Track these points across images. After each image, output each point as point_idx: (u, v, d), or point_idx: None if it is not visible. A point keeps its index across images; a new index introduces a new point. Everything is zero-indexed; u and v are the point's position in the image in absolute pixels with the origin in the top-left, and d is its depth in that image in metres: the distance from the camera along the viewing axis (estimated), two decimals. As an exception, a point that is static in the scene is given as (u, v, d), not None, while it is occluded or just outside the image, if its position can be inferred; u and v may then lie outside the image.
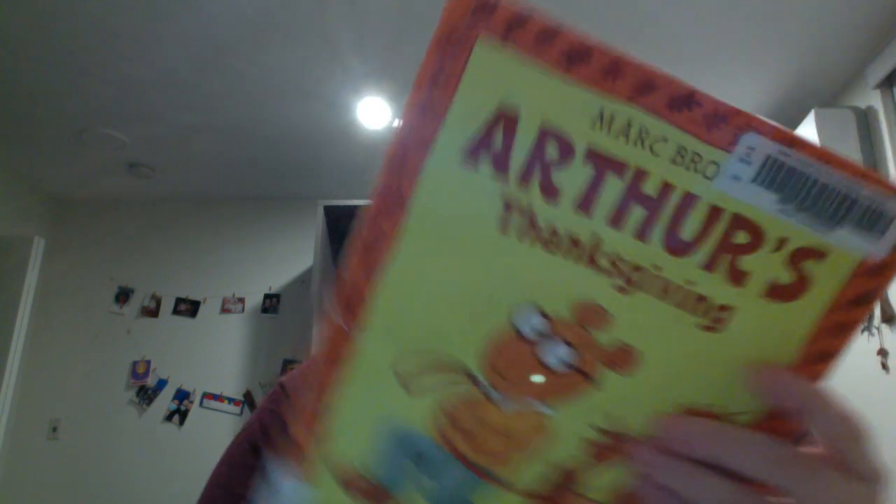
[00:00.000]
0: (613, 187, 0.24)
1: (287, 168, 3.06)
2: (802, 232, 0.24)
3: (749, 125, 0.24)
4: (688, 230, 0.25)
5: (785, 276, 0.25)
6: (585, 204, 0.25)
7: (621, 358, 0.27)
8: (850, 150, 2.10)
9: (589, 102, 0.24)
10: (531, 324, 0.27)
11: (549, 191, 0.25)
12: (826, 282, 0.25)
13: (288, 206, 3.36)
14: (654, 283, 0.25)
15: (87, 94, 2.38)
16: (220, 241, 3.35)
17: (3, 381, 2.59)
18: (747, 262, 0.25)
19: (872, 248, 0.24)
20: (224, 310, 3.23)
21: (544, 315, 0.27)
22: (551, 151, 0.24)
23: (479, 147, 0.25)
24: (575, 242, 0.25)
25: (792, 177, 0.24)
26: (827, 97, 2.34)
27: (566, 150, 0.24)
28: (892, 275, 0.24)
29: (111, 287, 3.27)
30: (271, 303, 3.23)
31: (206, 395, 3.10)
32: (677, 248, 0.25)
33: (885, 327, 2.01)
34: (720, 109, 0.24)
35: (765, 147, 0.24)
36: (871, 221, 0.24)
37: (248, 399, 3.09)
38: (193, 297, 3.25)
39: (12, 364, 2.64)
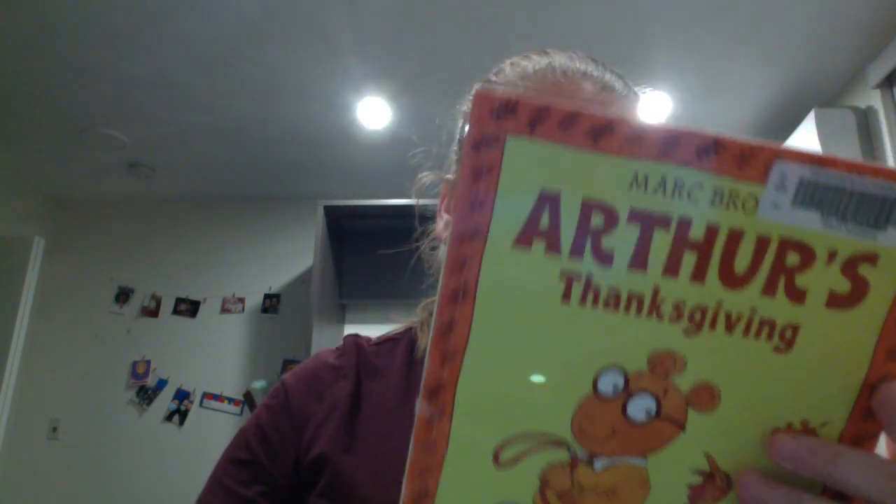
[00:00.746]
0: (662, 240, 0.26)
1: (287, 168, 3.06)
2: (850, 241, 0.25)
3: (777, 155, 0.25)
4: (740, 263, 0.26)
5: (843, 286, 0.26)
6: (639, 261, 0.26)
7: (702, 396, 0.28)
8: (850, 150, 2.10)
9: (622, 168, 0.25)
10: (613, 383, 0.28)
11: (602, 257, 0.26)
12: (883, 282, 0.26)
13: (288, 206, 3.36)
14: (718, 318, 0.27)
15: (87, 94, 2.38)
16: (220, 241, 3.35)
17: (3, 381, 2.59)
18: (803, 279, 0.26)
19: None
20: (224, 310, 3.23)
21: (623, 372, 0.28)
22: (597, 220, 0.26)
23: (529, 231, 0.26)
24: (637, 298, 0.26)
25: (828, 193, 0.25)
26: (827, 97, 2.34)
27: (610, 217, 0.26)
28: None
29: (111, 287, 3.27)
30: (271, 303, 3.23)
31: (206, 395, 3.10)
32: (734, 281, 0.26)
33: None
34: (745, 148, 0.25)
35: (796, 171, 0.25)
36: None
37: (248, 399, 3.09)
38: (193, 297, 3.25)
39: (12, 364, 2.64)
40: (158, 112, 2.52)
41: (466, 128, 0.60)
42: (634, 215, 0.25)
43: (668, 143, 0.25)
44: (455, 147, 0.61)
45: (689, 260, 0.26)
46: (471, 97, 0.25)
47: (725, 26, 1.99)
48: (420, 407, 0.28)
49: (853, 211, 0.25)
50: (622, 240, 0.26)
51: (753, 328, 0.27)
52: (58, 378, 3.12)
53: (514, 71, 0.56)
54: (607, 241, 0.26)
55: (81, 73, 2.24)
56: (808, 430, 0.28)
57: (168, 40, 2.07)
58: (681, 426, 0.28)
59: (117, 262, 3.30)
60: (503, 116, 0.25)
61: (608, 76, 0.54)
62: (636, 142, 0.25)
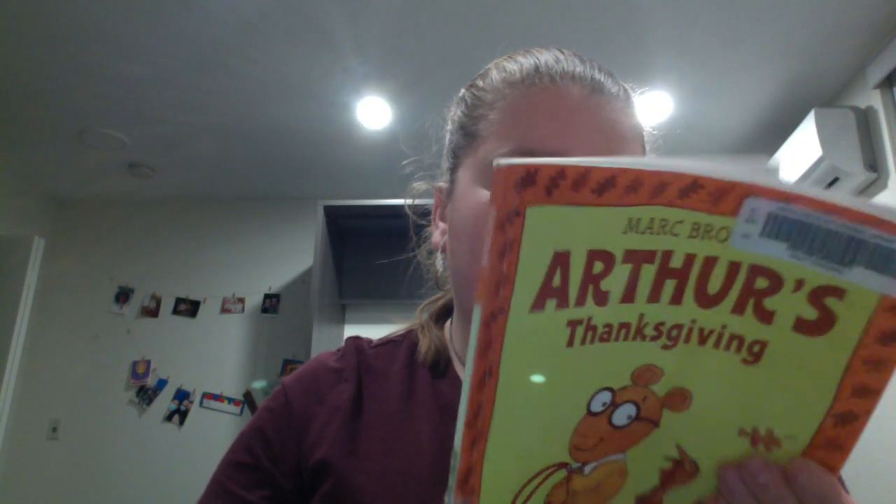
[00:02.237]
0: (648, 273, 0.28)
1: (287, 168, 3.06)
2: (817, 273, 0.27)
3: (749, 192, 0.27)
4: (713, 285, 0.28)
5: (809, 313, 0.28)
6: (629, 295, 0.29)
7: (675, 399, 0.31)
8: (850, 150, 2.10)
9: (619, 216, 0.27)
10: (602, 401, 0.31)
11: (601, 298, 0.29)
12: (851, 317, 0.27)
13: (288, 206, 3.36)
14: (692, 333, 0.29)
15: (87, 94, 2.38)
16: (220, 241, 3.35)
17: (3, 381, 2.59)
18: (771, 302, 0.28)
19: (890, 286, 0.26)
20: (224, 310, 3.23)
21: (611, 390, 0.31)
22: (598, 266, 0.28)
23: (543, 294, 0.28)
24: (625, 326, 0.29)
25: (795, 227, 0.26)
26: (827, 97, 2.34)
27: (609, 261, 0.28)
28: None
29: (111, 287, 3.27)
30: (271, 303, 3.23)
31: (205, 395, 3.10)
32: (707, 301, 0.29)
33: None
34: (720, 185, 0.27)
35: (765, 206, 0.27)
36: (882, 261, 0.26)
37: (248, 399, 3.09)
38: (193, 297, 3.25)
39: (12, 364, 2.64)
40: (158, 112, 2.52)
41: (450, 135, 0.60)
42: (628, 256, 0.28)
43: (658, 187, 0.27)
44: (446, 154, 0.60)
45: (669, 286, 0.28)
46: (495, 168, 0.26)
47: (725, 26, 1.99)
48: (454, 499, 0.29)
49: (819, 246, 0.26)
50: (617, 279, 0.28)
51: (724, 341, 0.29)
52: (58, 378, 3.11)
53: (501, 76, 0.54)
54: (605, 284, 0.28)
55: (81, 73, 2.24)
56: (771, 440, 0.30)
57: (168, 40, 2.07)
58: (656, 423, 0.32)
59: (117, 262, 3.30)
60: (525, 185, 0.26)
61: (597, 75, 0.52)
62: (632, 189, 0.27)
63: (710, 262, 0.28)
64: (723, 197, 0.27)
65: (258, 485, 0.54)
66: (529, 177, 0.26)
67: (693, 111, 2.43)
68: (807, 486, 0.30)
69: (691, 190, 0.27)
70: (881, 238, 0.25)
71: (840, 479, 0.32)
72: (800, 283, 0.27)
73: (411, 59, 2.21)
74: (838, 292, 0.27)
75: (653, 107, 2.37)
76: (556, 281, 0.28)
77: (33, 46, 2.09)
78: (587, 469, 0.32)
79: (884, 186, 2.08)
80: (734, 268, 0.28)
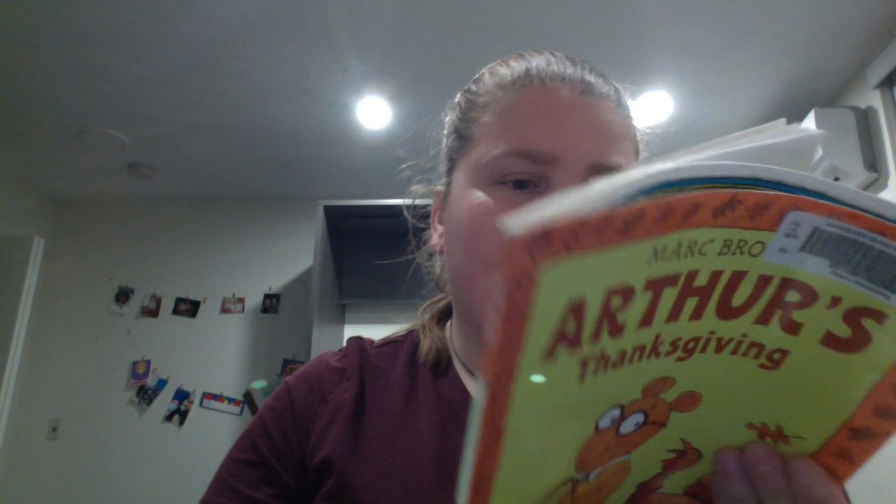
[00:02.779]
0: (669, 295, 0.26)
1: (287, 168, 3.06)
2: (858, 293, 0.25)
3: (793, 205, 0.24)
4: (738, 298, 0.26)
5: (842, 330, 0.26)
6: (647, 319, 0.26)
7: (684, 401, 0.29)
8: (850, 150, 2.10)
9: (644, 249, 0.24)
10: (611, 417, 0.29)
11: (616, 330, 0.26)
12: (888, 341, 0.25)
13: (288, 206, 3.36)
14: (710, 344, 0.28)
15: (87, 94, 2.38)
16: (220, 241, 3.35)
17: (3, 381, 2.59)
18: (801, 315, 0.26)
19: None
20: (224, 310, 3.23)
21: (621, 406, 0.29)
22: (615, 302, 0.25)
23: (555, 345, 0.25)
24: (639, 349, 0.27)
25: (842, 245, 0.25)
26: (827, 97, 2.34)
27: (628, 295, 0.25)
28: None
29: (111, 287, 3.27)
30: (271, 303, 3.23)
31: (205, 395, 3.10)
32: (730, 314, 0.27)
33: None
34: (762, 200, 0.25)
35: (811, 221, 0.25)
36: None
37: (248, 399, 3.09)
38: (193, 297, 3.25)
39: (12, 364, 2.64)
40: (158, 112, 2.52)
41: (446, 139, 0.60)
42: (649, 284, 0.25)
43: (690, 210, 0.24)
44: (442, 158, 0.61)
45: (690, 303, 0.26)
46: (509, 237, 0.22)
47: (725, 26, 1.99)
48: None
49: (866, 267, 0.24)
50: (636, 308, 0.26)
51: (742, 349, 0.28)
52: (58, 378, 3.11)
53: (493, 80, 0.55)
54: (622, 315, 0.26)
55: (81, 73, 2.24)
56: (780, 436, 0.30)
57: (168, 40, 2.07)
58: (663, 425, 0.30)
59: (117, 262, 3.30)
60: (538, 247, 0.22)
61: (587, 76, 0.53)
62: (662, 220, 0.24)
63: (737, 276, 0.26)
64: (762, 212, 0.25)
65: (265, 482, 0.54)
66: (545, 236, 0.22)
67: (693, 111, 2.43)
68: (807, 488, 0.29)
69: (728, 207, 0.24)
70: None
71: (844, 493, 0.32)
72: (836, 300, 0.26)
73: (411, 60, 2.21)
74: (878, 315, 0.25)
75: (653, 107, 2.37)
76: (570, 329, 0.25)
77: (33, 46, 2.09)
78: (592, 476, 0.31)
79: (884, 186, 2.08)
80: (763, 281, 0.26)
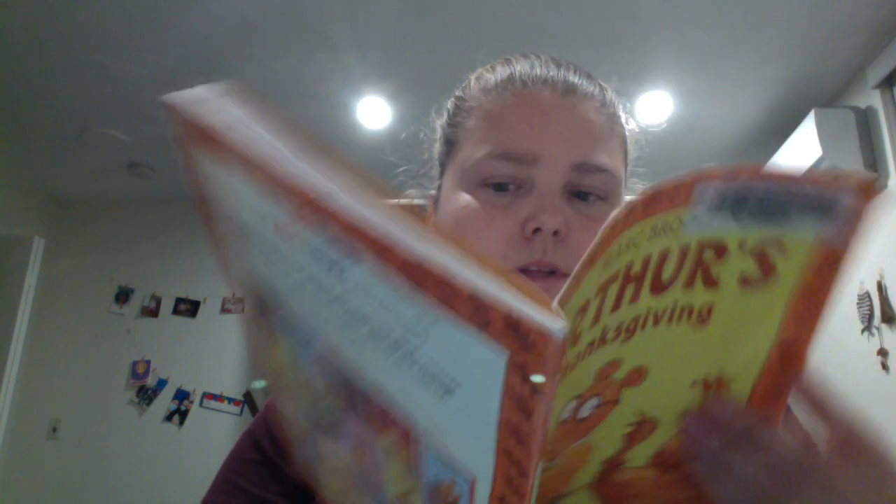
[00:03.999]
0: (613, 290, 0.29)
1: (287, 168, 3.06)
2: (758, 230, 0.29)
3: (698, 178, 0.28)
4: (666, 273, 0.29)
5: (752, 268, 0.29)
6: (597, 318, 0.29)
7: (633, 377, 0.32)
8: (850, 150, 2.10)
9: (597, 268, 0.28)
10: (570, 409, 0.31)
11: (575, 341, 0.29)
12: (791, 263, 0.29)
13: (288, 206, 3.36)
14: (648, 320, 0.30)
15: (87, 94, 2.38)
16: (220, 241, 3.34)
17: (3, 381, 2.59)
18: (717, 269, 0.29)
19: (822, 226, 0.28)
20: (224, 310, 3.23)
21: (578, 396, 0.31)
22: (576, 319, 0.28)
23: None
24: (591, 344, 0.29)
25: (739, 197, 0.28)
26: (827, 97, 2.34)
27: (585, 308, 0.28)
28: (848, 245, 0.28)
29: (111, 287, 3.27)
30: (271, 303, 3.23)
31: (205, 395, 3.10)
32: (661, 289, 0.30)
33: (885, 327, 2.01)
34: (676, 183, 0.28)
35: (712, 185, 0.28)
36: (817, 208, 0.28)
37: (248, 399, 3.09)
38: (193, 297, 3.25)
39: (12, 364, 2.64)
40: (158, 112, 2.50)
41: (437, 145, 0.61)
42: (599, 290, 0.28)
43: (627, 214, 0.28)
44: (434, 161, 0.62)
45: (629, 290, 0.29)
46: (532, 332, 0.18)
47: (725, 26, 1.99)
48: None
49: (760, 208, 0.28)
50: (589, 314, 0.29)
51: (675, 316, 0.30)
52: (58, 378, 3.12)
53: (478, 84, 0.56)
54: (580, 328, 0.29)
55: (81, 73, 2.24)
56: (721, 382, 0.32)
57: (168, 40, 2.07)
58: (617, 402, 0.32)
59: (117, 262, 3.30)
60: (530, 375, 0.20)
61: (570, 77, 0.53)
62: (608, 238, 0.27)
63: (663, 255, 0.29)
64: (678, 192, 0.28)
65: (271, 480, 0.53)
66: (534, 359, 0.18)
67: (693, 112, 2.43)
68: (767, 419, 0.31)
69: (653, 201, 0.28)
70: (811, 188, 0.27)
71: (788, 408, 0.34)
72: (742, 244, 0.29)
73: (411, 59, 2.21)
74: (777, 243, 0.28)
75: (653, 107, 2.37)
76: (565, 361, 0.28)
77: (33, 47, 2.09)
78: (555, 461, 0.33)
79: (884, 186, 2.08)
80: (684, 250, 0.29)
